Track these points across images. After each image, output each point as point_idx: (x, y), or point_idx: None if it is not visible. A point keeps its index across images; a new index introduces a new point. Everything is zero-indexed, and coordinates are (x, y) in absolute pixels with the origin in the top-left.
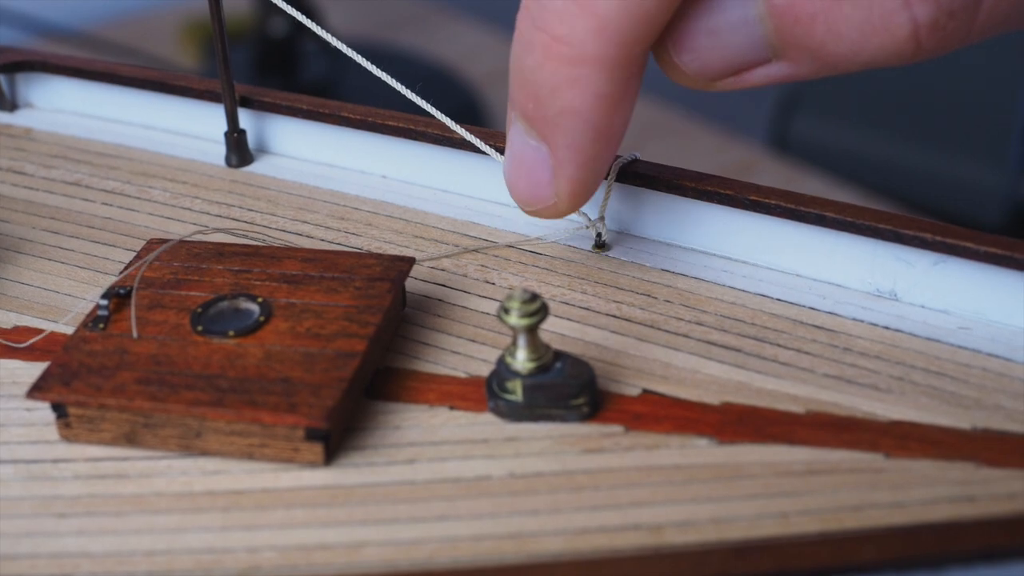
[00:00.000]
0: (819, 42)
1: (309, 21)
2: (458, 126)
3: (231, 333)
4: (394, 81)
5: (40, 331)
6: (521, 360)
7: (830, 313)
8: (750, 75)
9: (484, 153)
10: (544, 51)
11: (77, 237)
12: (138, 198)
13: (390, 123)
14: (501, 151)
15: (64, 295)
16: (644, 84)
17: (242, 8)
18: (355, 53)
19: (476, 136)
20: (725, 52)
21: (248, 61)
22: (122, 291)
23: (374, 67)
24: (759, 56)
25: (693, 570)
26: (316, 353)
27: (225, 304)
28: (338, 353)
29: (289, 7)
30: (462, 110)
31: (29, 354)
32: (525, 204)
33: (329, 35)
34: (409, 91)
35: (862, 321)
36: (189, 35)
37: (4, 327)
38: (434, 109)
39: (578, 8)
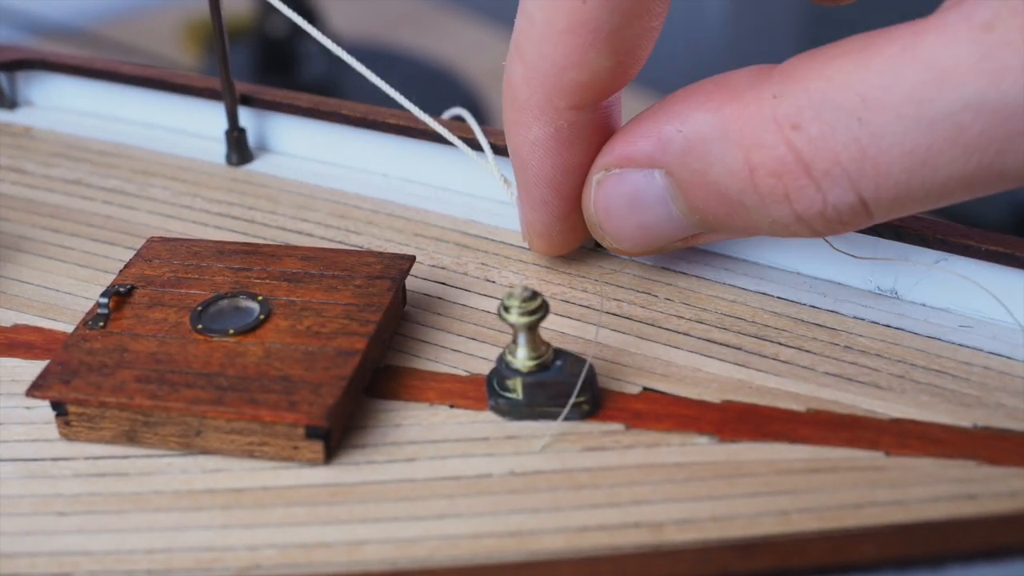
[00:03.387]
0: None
1: (305, 23)
2: (450, 132)
3: (231, 331)
4: (386, 85)
5: (40, 329)
6: (521, 358)
7: (831, 311)
8: (683, 243)
9: (481, 150)
10: (504, 92)
11: (77, 235)
12: (138, 196)
13: (390, 121)
14: (495, 149)
15: (64, 293)
16: (643, 83)
17: (243, 7)
18: (348, 55)
19: (470, 137)
20: (658, 238)
21: (249, 60)
22: (122, 289)
23: (367, 70)
24: (686, 234)
25: (694, 568)
26: (316, 351)
27: (225, 302)
28: (338, 351)
29: (287, 9)
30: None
31: (29, 352)
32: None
33: (324, 37)
34: (400, 95)
35: (863, 319)
36: (191, 34)
37: (4, 325)
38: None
39: (516, 53)
